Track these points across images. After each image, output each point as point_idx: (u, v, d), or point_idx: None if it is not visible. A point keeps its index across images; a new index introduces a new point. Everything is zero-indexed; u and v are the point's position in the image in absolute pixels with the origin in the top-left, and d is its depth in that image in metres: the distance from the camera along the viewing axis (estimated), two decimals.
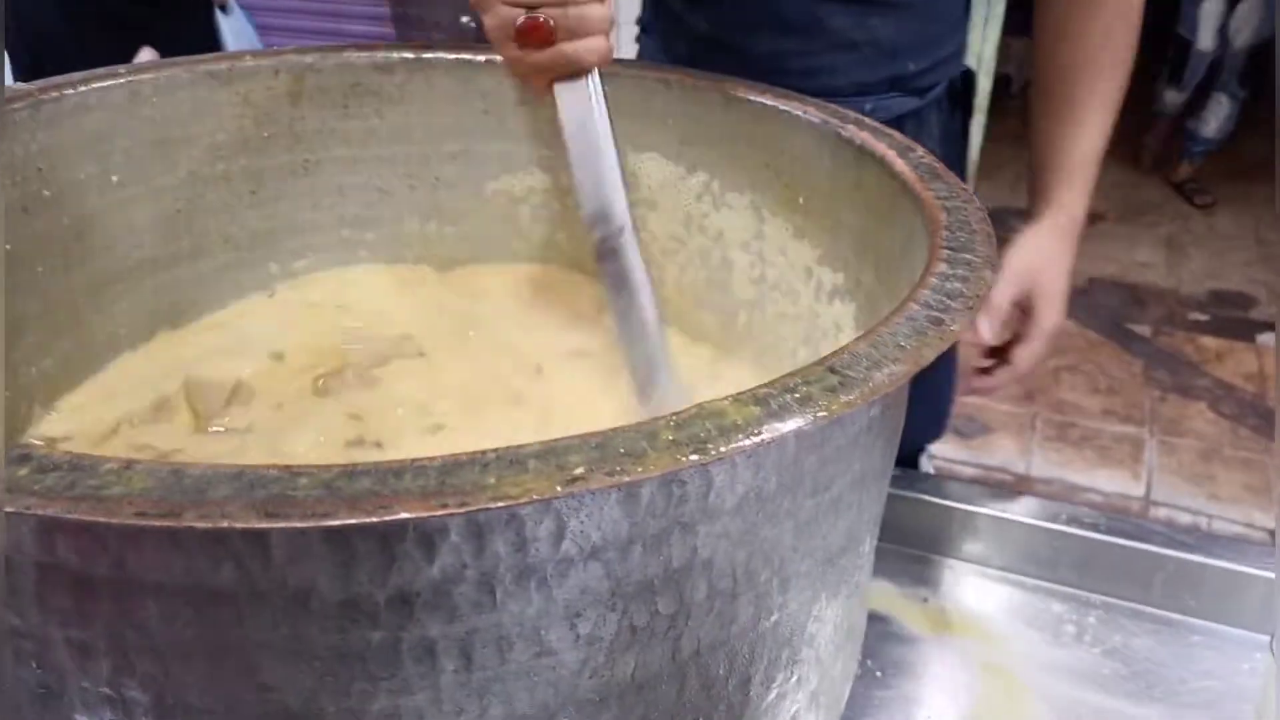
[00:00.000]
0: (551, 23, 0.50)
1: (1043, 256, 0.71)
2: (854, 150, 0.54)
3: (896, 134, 0.53)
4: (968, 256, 0.40)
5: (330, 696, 0.31)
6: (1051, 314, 0.71)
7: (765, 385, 0.31)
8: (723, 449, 0.28)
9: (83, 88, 0.55)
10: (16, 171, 0.52)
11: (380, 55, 0.64)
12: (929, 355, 0.33)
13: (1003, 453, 2.20)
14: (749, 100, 0.60)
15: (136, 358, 0.61)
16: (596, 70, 0.53)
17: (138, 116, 0.57)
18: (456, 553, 0.29)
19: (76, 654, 0.31)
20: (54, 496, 0.25)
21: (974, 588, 0.75)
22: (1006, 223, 0.64)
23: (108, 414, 0.55)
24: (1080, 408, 2.27)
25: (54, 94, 0.53)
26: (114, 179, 0.57)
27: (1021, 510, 0.76)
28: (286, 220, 0.66)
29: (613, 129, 0.54)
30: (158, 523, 0.24)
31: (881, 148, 0.52)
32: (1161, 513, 1.98)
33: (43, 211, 0.54)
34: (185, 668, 0.31)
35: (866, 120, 0.55)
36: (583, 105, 0.53)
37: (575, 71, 0.52)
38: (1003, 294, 0.69)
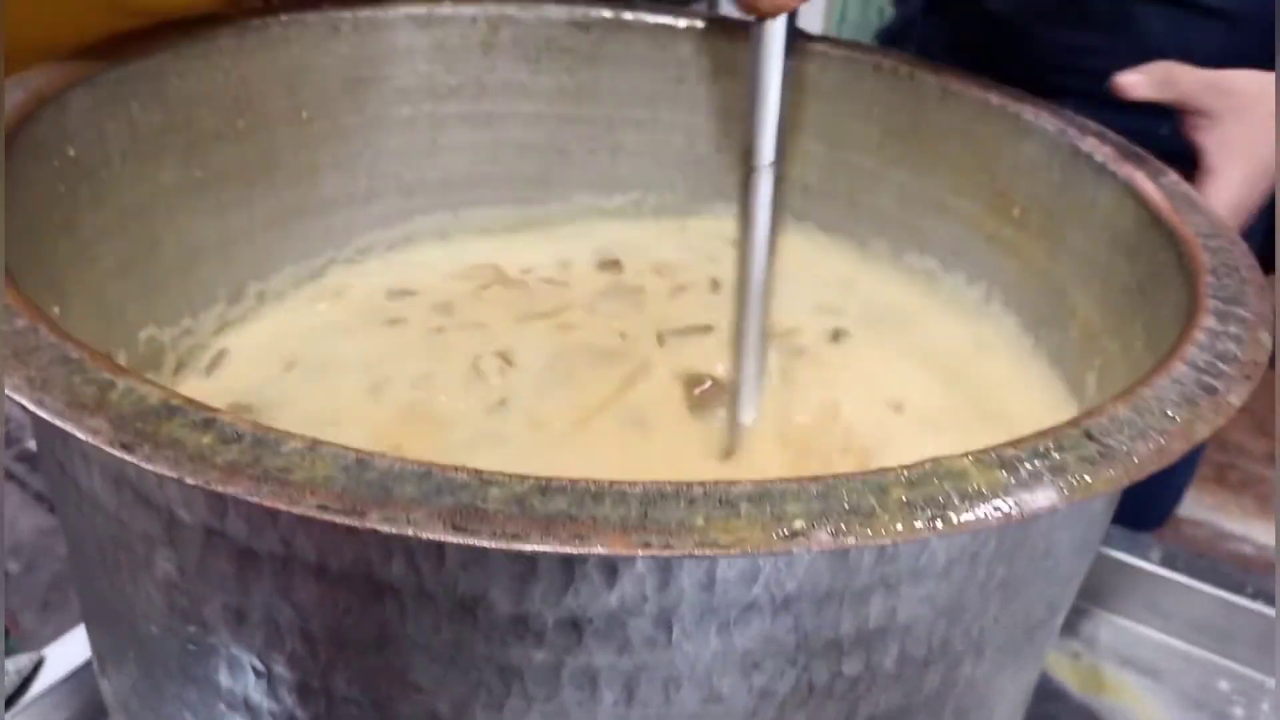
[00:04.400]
0: None
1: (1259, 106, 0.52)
2: (1092, 167, 0.48)
3: (1148, 154, 0.47)
4: (1240, 312, 0.34)
5: (482, 709, 0.29)
6: (1226, 172, 0.51)
7: (1010, 445, 0.26)
8: (965, 519, 0.24)
9: (285, 18, 0.54)
10: (216, 99, 0.51)
11: (579, 11, 0.61)
12: (1202, 432, 0.28)
13: None
14: (972, 96, 0.54)
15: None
16: (784, 17, 0.51)
17: (333, 54, 0.56)
18: (640, 584, 0.26)
19: (231, 619, 0.30)
20: (236, 473, 0.23)
21: (1133, 649, 0.69)
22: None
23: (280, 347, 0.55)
24: (1245, 449, 2.09)
25: (258, 23, 0.53)
26: (304, 114, 0.57)
27: (1201, 575, 0.69)
28: (463, 172, 0.64)
29: (784, 76, 0.52)
30: (339, 519, 0.22)
31: (1127, 169, 0.46)
32: None
33: (235, 141, 0.53)
34: (336, 654, 0.29)
35: (1111, 134, 0.49)
36: (764, 45, 0.52)
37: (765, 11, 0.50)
38: (1191, 78, 0.52)
